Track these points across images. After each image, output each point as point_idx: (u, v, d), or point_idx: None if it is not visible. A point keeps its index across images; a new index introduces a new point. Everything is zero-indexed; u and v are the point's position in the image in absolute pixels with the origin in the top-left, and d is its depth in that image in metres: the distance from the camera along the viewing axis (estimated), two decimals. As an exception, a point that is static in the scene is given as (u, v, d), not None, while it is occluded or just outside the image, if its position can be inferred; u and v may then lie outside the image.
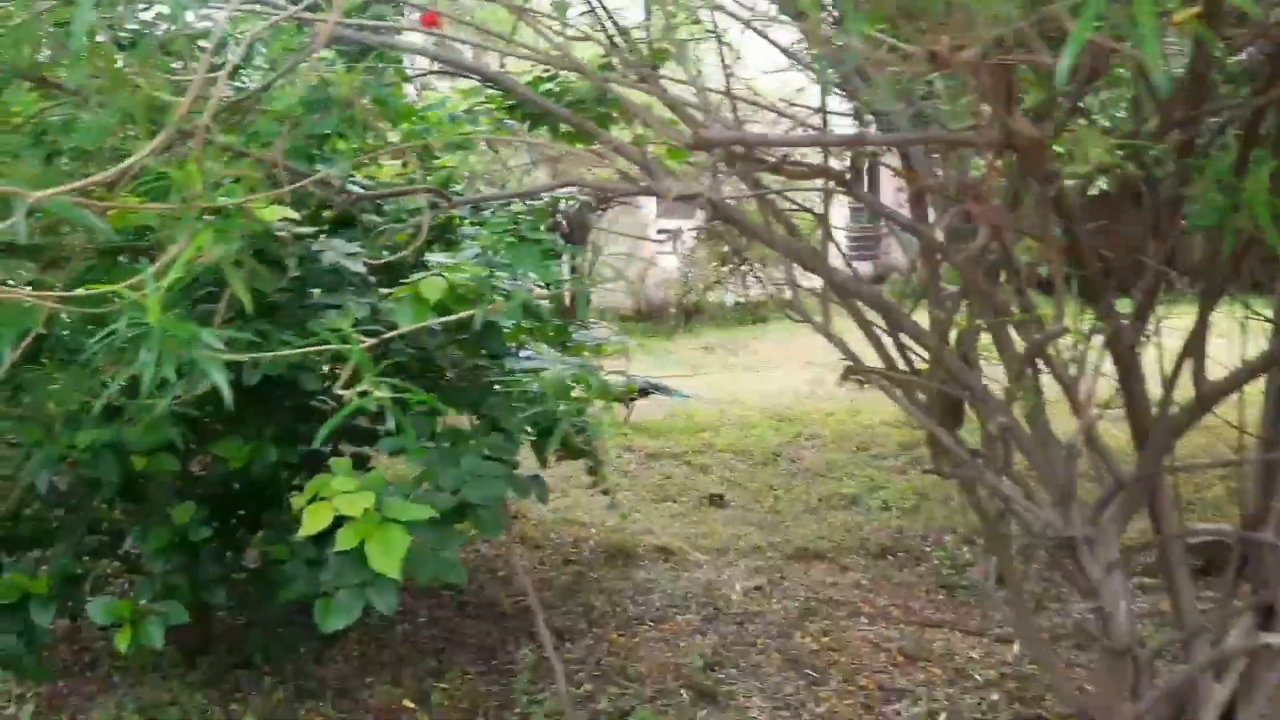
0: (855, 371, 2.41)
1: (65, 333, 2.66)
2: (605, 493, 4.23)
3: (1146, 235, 2.03)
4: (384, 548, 2.49)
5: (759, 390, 7.23)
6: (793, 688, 3.59)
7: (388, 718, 3.36)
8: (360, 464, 3.50)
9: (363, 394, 1.34)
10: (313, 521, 2.53)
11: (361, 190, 3.08)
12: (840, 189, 2.11)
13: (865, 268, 14.55)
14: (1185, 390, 2.26)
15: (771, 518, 5.13)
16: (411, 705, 3.41)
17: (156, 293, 1.27)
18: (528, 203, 3.53)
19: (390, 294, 2.89)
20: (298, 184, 1.72)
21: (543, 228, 2.94)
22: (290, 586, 2.95)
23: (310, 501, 2.60)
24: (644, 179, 2.41)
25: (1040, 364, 2.20)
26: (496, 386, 3.25)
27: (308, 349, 1.47)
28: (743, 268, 9.38)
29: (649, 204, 12.72)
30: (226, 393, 1.34)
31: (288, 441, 3.09)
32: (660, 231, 12.69)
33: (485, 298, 3.03)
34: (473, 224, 3.12)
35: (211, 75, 1.32)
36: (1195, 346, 2.22)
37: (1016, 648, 3.96)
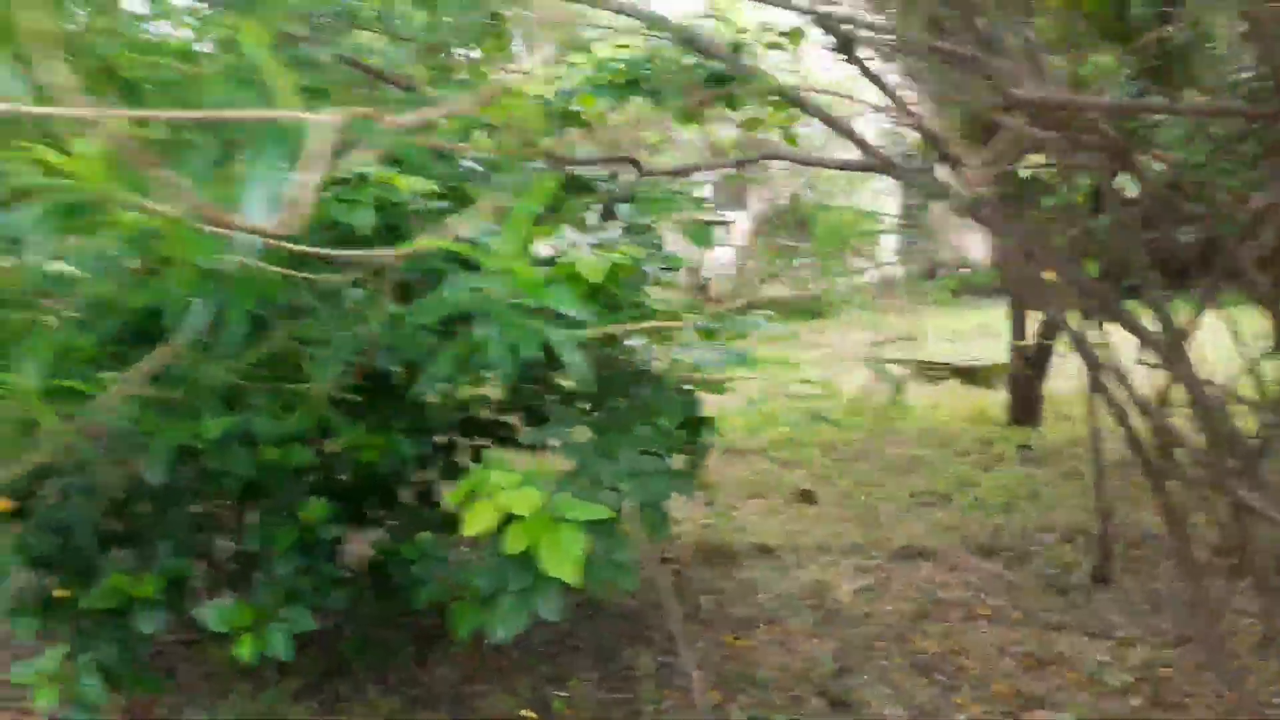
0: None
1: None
2: (703, 488, 4.01)
3: None
4: (558, 550, 2.24)
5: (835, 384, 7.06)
6: (926, 695, 3.38)
7: (507, 729, 3.13)
8: (478, 457, 3.27)
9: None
10: (476, 521, 2.28)
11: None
12: (1118, 162, 1.88)
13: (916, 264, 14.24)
14: None
15: (866, 515, 4.93)
16: (532, 715, 3.17)
17: (510, 249, 1.03)
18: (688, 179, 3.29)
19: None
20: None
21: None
22: (422, 589, 2.71)
23: (467, 498, 2.35)
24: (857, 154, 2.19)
25: None
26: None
27: (640, 324, 1.23)
28: (800, 261, 9.17)
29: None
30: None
31: (415, 433, 2.83)
32: (716, 222, 12.37)
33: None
34: (629, 201, 2.87)
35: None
36: None
37: (1140, 650, 3.78)
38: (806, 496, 5.12)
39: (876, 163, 2.02)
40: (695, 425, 2.86)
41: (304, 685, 3.32)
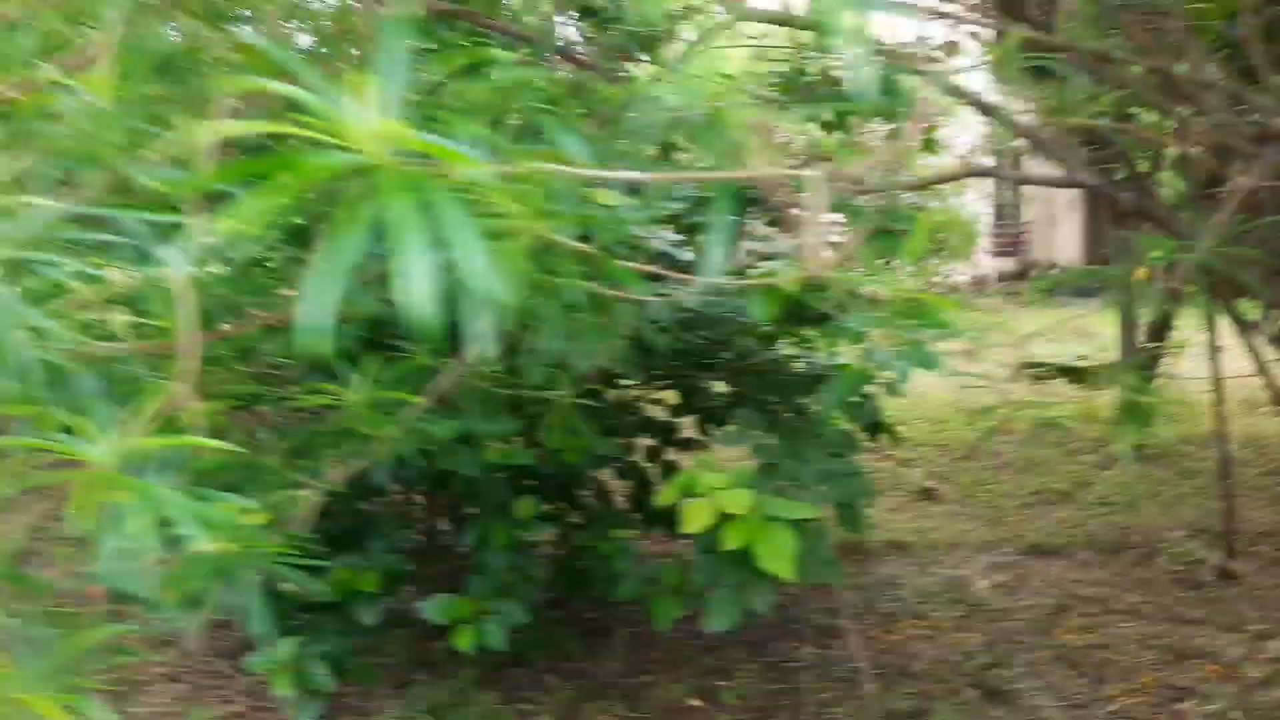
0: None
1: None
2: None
3: None
4: (773, 547, 2.42)
5: (941, 383, 7.13)
6: (1075, 686, 3.50)
7: (681, 718, 3.30)
8: (653, 457, 3.45)
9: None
10: (694, 520, 2.46)
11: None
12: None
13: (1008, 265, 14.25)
14: None
15: (991, 512, 5.06)
16: (700, 704, 3.35)
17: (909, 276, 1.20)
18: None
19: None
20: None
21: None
22: (622, 584, 2.90)
23: (681, 497, 2.53)
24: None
25: None
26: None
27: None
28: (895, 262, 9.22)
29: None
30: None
31: (604, 434, 3.02)
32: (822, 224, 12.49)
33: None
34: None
35: None
36: None
37: (1276, 643, 3.86)
38: (928, 494, 5.26)
39: (1082, 178, 2.15)
40: (875, 429, 3.02)
41: (481, 676, 3.52)
